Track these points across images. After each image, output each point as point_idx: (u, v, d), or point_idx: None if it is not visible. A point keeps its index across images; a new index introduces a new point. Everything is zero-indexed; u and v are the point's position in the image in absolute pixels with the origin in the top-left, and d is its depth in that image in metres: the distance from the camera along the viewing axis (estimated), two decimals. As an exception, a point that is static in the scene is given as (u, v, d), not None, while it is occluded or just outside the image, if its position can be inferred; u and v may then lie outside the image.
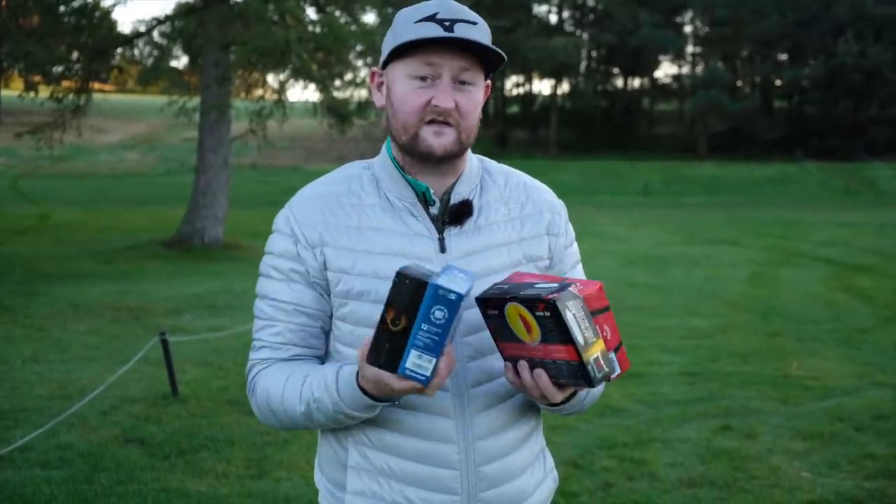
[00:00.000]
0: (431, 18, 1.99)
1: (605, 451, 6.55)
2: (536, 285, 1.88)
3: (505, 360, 1.99)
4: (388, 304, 1.75)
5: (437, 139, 2.03)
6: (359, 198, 2.13)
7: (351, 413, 1.97)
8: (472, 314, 2.04)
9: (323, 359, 2.17)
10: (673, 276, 16.85)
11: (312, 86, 23.07)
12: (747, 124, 74.50)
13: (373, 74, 2.15)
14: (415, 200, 2.11)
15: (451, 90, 2.01)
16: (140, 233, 23.23)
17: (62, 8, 21.86)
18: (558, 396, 1.95)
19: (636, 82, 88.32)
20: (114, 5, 23.34)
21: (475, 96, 2.05)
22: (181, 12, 22.65)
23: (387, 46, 2.08)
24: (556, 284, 1.86)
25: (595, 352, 1.84)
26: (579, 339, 1.81)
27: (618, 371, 1.91)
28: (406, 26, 2.02)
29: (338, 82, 23.82)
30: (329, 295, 2.11)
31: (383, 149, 2.18)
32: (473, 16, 2.04)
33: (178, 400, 7.84)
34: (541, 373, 1.91)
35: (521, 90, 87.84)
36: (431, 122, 2.03)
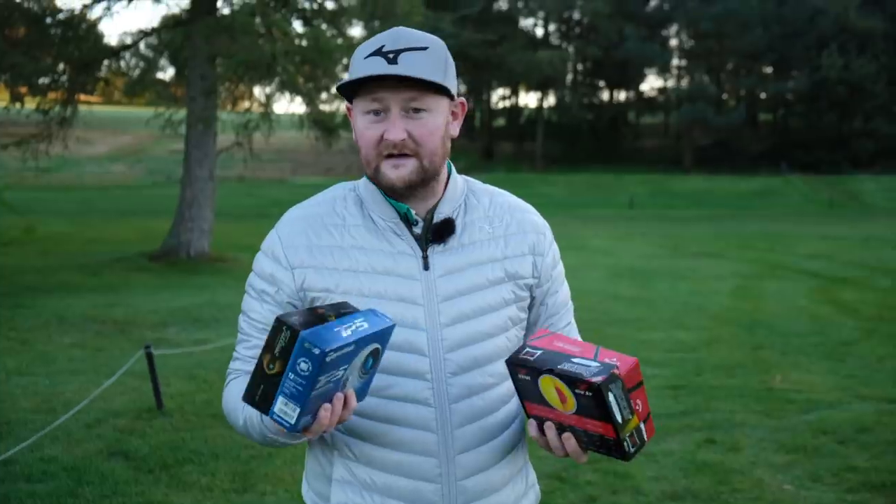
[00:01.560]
0: (378, 52, 2.02)
1: (588, 465, 6.55)
2: (574, 360, 1.89)
3: (529, 416, 2.00)
4: (265, 348, 1.77)
5: (396, 171, 2.07)
6: (343, 218, 2.17)
7: (275, 438, 2.01)
8: (455, 330, 2.11)
9: None
10: (658, 290, 16.89)
11: (299, 98, 23.13)
12: (732, 137, 74.88)
13: (349, 109, 2.18)
14: (398, 220, 2.15)
15: (401, 122, 2.04)
16: (126, 245, 23.16)
17: (49, 19, 21.83)
18: (583, 459, 1.98)
19: (622, 95, 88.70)
20: (100, 17, 23.32)
21: (430, 122, 2.07)
22: (168, 25, 22.70)
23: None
24: (597, 364, 1.87)
25: (631, 428, 1.89)
26: (618, 418, 1.85)
27: (644, 439, 1.95)
28: (357, 62, 2.06)
29: (324, 95, 23.84)
30: None
31: None
32: (424, 40, 2.06)
33: (163, 413, 7.83)
34: (569, 437, 1.93)
35: (507, 103, 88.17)
36: (389, 155, 2.07)
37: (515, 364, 1.94)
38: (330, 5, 22.52)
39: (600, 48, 75.62)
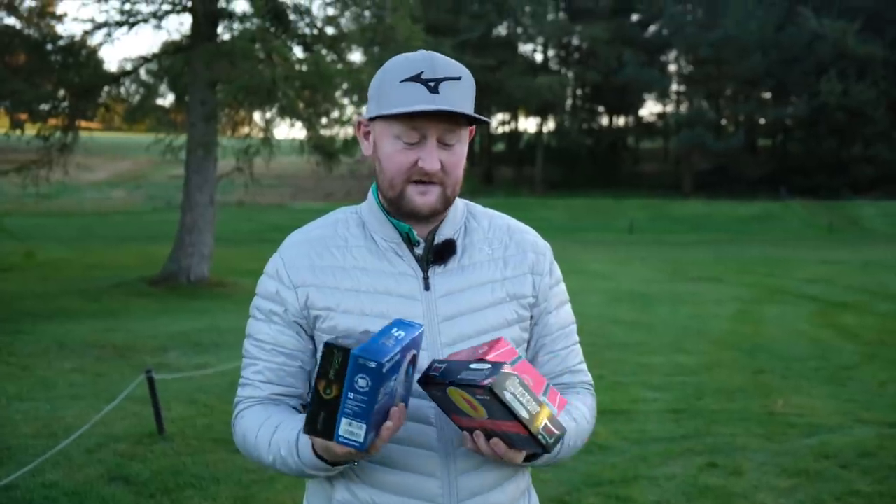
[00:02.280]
0: (417, 78, 2.02)
1: (591, 489, 6.55)
2: (472, 367, 1.89)
3: (461, 429, 2.01)
4: (319, 375, 1.78)
5: (422, 198, 2.10)
6: (345, 240, 2.19)
7: (314, 474, 2.03)
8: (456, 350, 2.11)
9: (304, 397, 2.22)
10: (658, 314, 16.88)
11: (299, 124, 23.18)
12: (732, 162, 75.00)
13: (359, 124, 2.19)
14: (399, 241, 2.17)
15: (436, 152, 2.06)
16: (126, 271, 23.16)
17: (49, 46, 21.94)
18: (518, 458, 1.97)
19: (621, 120, 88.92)
20: (101, 44, 23.45)
21: (459, 152, 2.11)
22: (168, 51, 22.77)
23: (373, 98, 2.13)
24: (489, 367, 1.87)
25: (542, 420, 1.85)
26: (523, 414, 1.83)
27: (555, 411, 1.94)
28: (392, 85, 2.05)
29: (324, 120, 23.90)
30: (310, 335, 2.18)
31: (370, 192, 2.25)
32: (457, 70, 2.07)
33: (164, 438, 7.81)
34: (497, 441, 1.93)
35: (506, 128, 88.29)
36: (417, 181, 2.09)
37: (425, 382, 1.97)
38: (330, 31, 22.58)
39: (599, 73, 75.79)
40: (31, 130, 22.75)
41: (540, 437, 1.85)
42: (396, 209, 2.14)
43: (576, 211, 54.18)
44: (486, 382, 1.81)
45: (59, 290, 19.61)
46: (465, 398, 1.88)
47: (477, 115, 2.06)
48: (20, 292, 18.99)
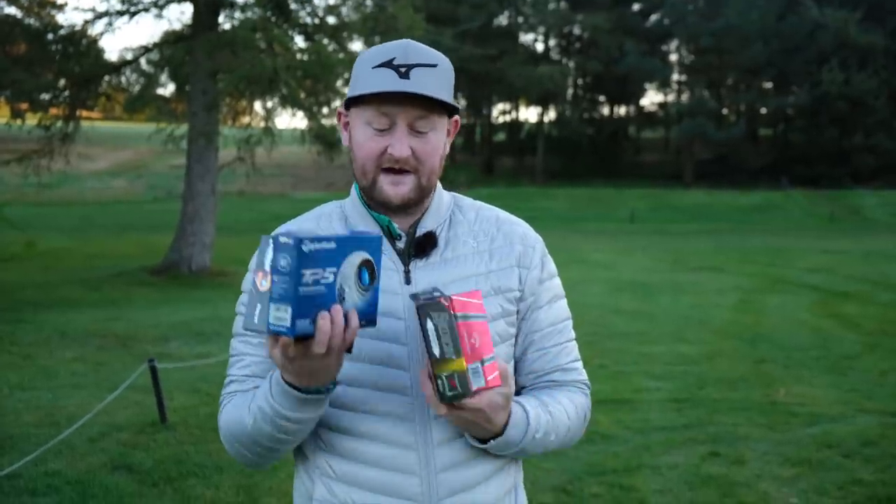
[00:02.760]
0: (388, 64, 2.00)
1: (594, 478, 6.56)
2: (435, 293, 1.86)
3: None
4: (256, 267, 1.75)
5: (395, 189, 2.06)
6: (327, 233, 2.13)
7: (286, 413, 1.92)
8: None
9: None
10: (660, 303, 16.88)
11: (300, 113, 23.17)
12: (733, 152, 74.92)
13: (339, 114, 2.17)
14: (380, 235, 2.08)
15: (406, 138, 2.03)
16: (127, 260, 23.17)
17: (50, 36, 21.91)
18: (441, 410, 1.86)
19: (622, 110, 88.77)
20: (101, 33, 23.42)
21: (434, 140, 2.06)
22: (169, 40, 22.74)
23: (350, 86, 2.10)
24: (441, 295, 1.83)
25: (450, 369, 1.79)
26: (434, 350, 1.79)
27: (482, 383, 1.83)
28: (364, 71, 2.03)
29: (325, 110, 23.87)
30: None
31: (353, 186, 2.21)
32: (434, 57, 2.04)
33: (166, 427, 7.83)
34: (424, 380, 1.88)
35: (507, 118, 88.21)
36: (388, 170, 2.05)
37: (416, 307, 1.88)
38: (331, 20, 22.57)
39: (600, 63, 75.67)
40: (31, 120, 22.72)
41: (439, 381, 1.80)
42: (370, 198, 2.11)
43: (577, 201, 54.17)
44: (420, 302, 1.79)
45: (60, 279, 19.62)
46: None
47: (443, 99, 2.01)
48: (21, 282, 19.00)
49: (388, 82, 1.98)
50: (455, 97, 2.14)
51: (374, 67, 2.01)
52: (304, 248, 1.70)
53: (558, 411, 2.11)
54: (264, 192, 55.71)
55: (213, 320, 13.99)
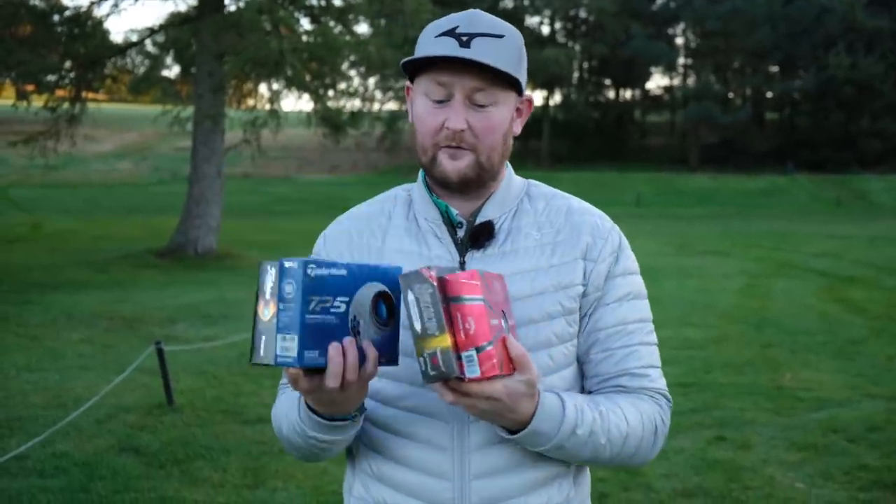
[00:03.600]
0: (451, 33, 1.87)
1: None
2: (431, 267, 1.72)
3: None
4: (257, 297, 1.68)
5: (453, 163, 1.91)
6: (389, 218, 2.05)
7: (314, 434, 1.87)
8: None
9: None
10: (665, 288, 16.86)
11: (306, 96, 23.15)
12: (739, 136, 74.79)
13: (407, 89, 2.02)
14: (440, 222, 1.99)
15: (463, 111, 1.88)
16: (133, 242, 23.19)
17: (55, 17, 21.90)
18: (448, 396, 1.71)
19: (628, 94, 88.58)
20: (107, 15, 23.41)
21: (494, 116, 1.91)
22: (175, 22, 22.71)
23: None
24: (427, 266, 1.72)
25: (434, 346, 1.65)
26: (416, 326, 1.67)
27: (476, 373, 1.67)
28: (427, 39, 1.91)
29: (331, 92, 23.87)
30: None
31: (421, 169, 2.08)
32: (502, 28, 1.91)
33: (174, 409, 7.84)
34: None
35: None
36: (447, 145, 1.91)
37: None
38: (337, 2, 22.58)
39: (606, 46, 75.50)
40: (37, 102, 22.74)
41: (421, 359, 1.67)
42: (433, 179, 1.98)
43: (582, 184, 53.99)
44: (402, 273, 1.71)
45: (67, 261, 19.65)
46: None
47: (501, 68, 1.85)
48: (28, 263, 19.03)
49: (446, 48, 1.86)
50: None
51: (436, 36, 1.89)
52: (310, 272, 1.64)
53: (613, 413, 1.91)
54: (269, 175, 55.68)
55: (219, 303, 14.02)
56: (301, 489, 5.99)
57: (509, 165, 2.06)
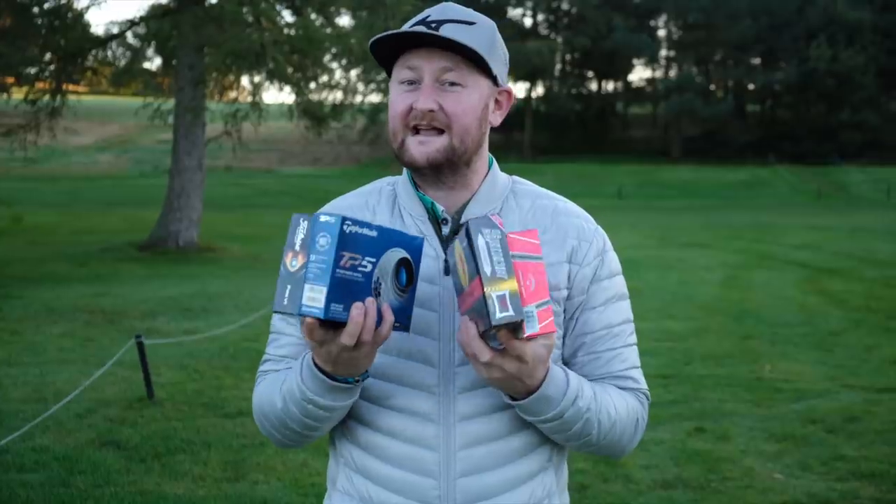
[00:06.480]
0: (422, 22, 1.89)
1: (579, 454, 6.57)
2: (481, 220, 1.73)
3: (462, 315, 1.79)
4: (287, 247, 1.69)
5: (420, 148, 1.90)
6: (373, 213, 2.02)
7: (314, 398, 1.84)
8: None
9: None
10: (647, 279, 16.89)
11: (288, 88, 23.11)
12: (720, 128, 75.08)
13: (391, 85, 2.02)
14: (426, 218, 1.98)
15: (433, 92, 1.88)
16: (114, 235, 23.12)
17: (35, 9, 21.78)
18: (482, 352, 1.70)
19: (610, 86, 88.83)
20: (87, 7, 23.30)
21: (465, 97, 1.89)
22: (156, 14, 22.61)
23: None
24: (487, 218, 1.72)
25: (503, 288, 1.64)
26: (486, 268, 1.64)
27: (536, 329, 1.67)
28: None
29: (313, 85, 23.82)
30: None
31: None
32: (473, 17, 1.92)
33: (154, 403, 7.83)
34: (466, 323, 1.72)
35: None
36: (416, 129, 1.90)
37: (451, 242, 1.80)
38: (319, -5, 22.48)
39: (589, 38, 75.62)
40: (17, 94, 22.64)
41: (490, 301, 1.63)
42: (401, 163, 1.96)
43: (564, 177, 54.11)
44: (472, 219, 1.71)
45: (47, 254, 19.58)
46: (459, 255, 1.73)
47: (466, 45, 1.84)
48: (8, 257, 18.96)
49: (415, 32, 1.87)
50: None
51: (410, 27, 1.90)
52: (346, 228, 1.66)
53: (604, 397, 1.92)
54: (251, 168, 55.59)
55: (200, 296, 13.98)
56: (282, 482, 5.99)
57: (495, 162, 2.05)
